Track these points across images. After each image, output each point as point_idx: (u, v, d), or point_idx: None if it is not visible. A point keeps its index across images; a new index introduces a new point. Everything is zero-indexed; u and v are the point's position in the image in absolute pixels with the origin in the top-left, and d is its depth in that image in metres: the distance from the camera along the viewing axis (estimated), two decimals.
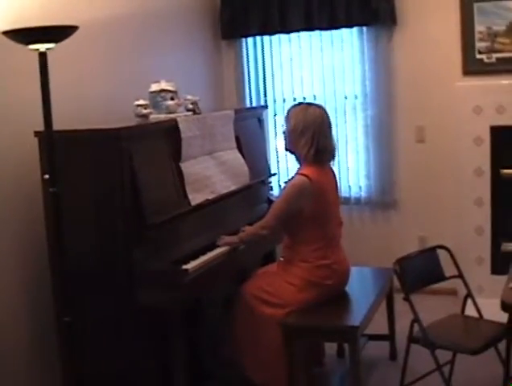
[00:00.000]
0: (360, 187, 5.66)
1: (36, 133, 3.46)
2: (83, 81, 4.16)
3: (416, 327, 3.42)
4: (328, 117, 3.89)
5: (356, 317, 3.61)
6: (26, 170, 3.66)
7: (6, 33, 2.98)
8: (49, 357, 3.77)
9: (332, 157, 3.92)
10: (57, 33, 3.03)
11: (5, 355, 3.60)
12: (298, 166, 3.91)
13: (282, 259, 4.02)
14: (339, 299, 3.81)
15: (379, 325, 4.17)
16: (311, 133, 3.77)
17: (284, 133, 3.93)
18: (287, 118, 3.89)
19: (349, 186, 5.68)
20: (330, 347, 4.29)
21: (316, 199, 3.73)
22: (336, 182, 4.01)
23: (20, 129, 3.60)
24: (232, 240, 3.87)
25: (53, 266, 3.52)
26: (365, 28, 5.43)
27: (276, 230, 3.86)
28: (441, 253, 3.82)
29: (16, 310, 3.69)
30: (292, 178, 3.87)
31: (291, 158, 3.95)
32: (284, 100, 5.85)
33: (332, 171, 4.00)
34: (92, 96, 4.21)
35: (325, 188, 3.81)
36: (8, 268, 3.64)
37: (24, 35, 2.97)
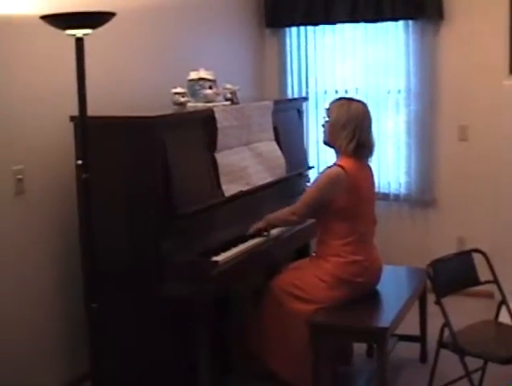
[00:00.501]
0: (399, 184, 5.57)
1: (72, 118, 3.46)
2: (121, 67, 4.16)
3: (447, 332, 3.34)
4: (369, 113, 3.87)
5: (386, 318, 3.54)
6: (63, 154, 3.67)
7: (44, 17, 2.97)
8: (78, 344, 3.79)
9: (371, 153, 3.88)
10: (94, 19, 3.02)
11: (37, 338, 3.66)
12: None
13: (314, 254, 3.98)
14: (370, 298, 3.75)
15: (412, 325, 4.10)
16: (353, 127, 3.74)
17: (324, 125, 3.89)
18: (329, 111, 3.86)
19: (389, 183, 5.59)
20: (360, 347, 4.23)
21: (350, 192, 3.69)
22: (373, 179, 3.95)
23: (58, 113, 3.61)
24: (259, 225, 3.86)
25: (83, 253, 3.52)
26: (410, 22, 5.33)
27: (305, 217, 3.87)
28: (478, 256, 3.73)
29: (48, 293, 3.74)
30: (328, 167, 3.83)
31: (331, 151, 3.91)
32: (326, 92, 5.77)
33: (370, 168, 3.94)
34: (129, 83, 4.21)
35: (360, 183, 3.76)
36: (41, 253, 3.67)
37: (61, 20, 2.96)
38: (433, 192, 5.46)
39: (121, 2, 4.04)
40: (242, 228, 3.86)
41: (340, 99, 3.94)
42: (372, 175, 3.94)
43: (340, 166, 3.72)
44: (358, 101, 3.91)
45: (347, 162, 3.73)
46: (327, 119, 3.85)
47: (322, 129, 3.93)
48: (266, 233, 3.89)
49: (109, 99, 3.95)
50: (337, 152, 3.84)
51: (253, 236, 3.83)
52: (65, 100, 3.43)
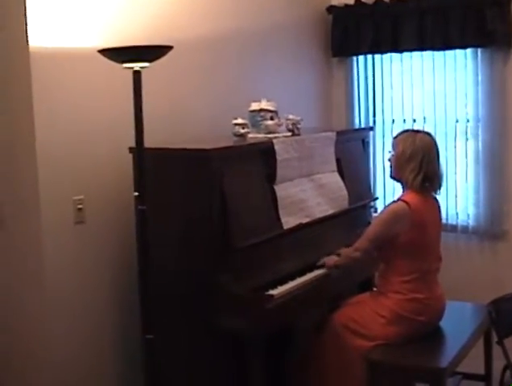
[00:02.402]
0: (468, 215, 5.42)
1: (131, 150, 3.50)
2: (182, 99, 4.18)
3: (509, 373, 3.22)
4: (436, 144, 3.80)
5: (445, 357, 3.44)
6: (122, 185, 3.70)
7: (102, 51, 3.02)
8: (133, 371, 3.80)
9: (439, 185, 3.79)
10: (151, 52, 3.06)
11: (93, 365, 3.68)
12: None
13: (375, 289, 3.90)
14: (430, 335, 3.64)
15: (479, 362, 3.96)
16: (420, 159, 3.67)
17: (390, 160, 3.83)
18: (394, 144, 3.80)
19: (457, 214, 5.44)
20: None
21: (414, 227, 3.61)
22: (440, 215, 3.85)
23: (118, 144, 3.64)
24: (329, 263, 3.81)
25: (141, 284, 3.54)
26: (479, 50, 5.20)
27: (369, 253, 3.78)
28: None
29: (106, 321, 3.77)
30: (393, 202, 3.77)
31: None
32: (393, 121, 5.68)
33: (437, 202, 3.84)
34: (190, 115, 4.22)
35: (425, 219, 3.67)
36: (99, 282, 3.71)
37: (118, 54, 3.02)
38: (503, 224, 5.28)
39: (181, 33, 4.09)
40: (302, 261, 3.82)
41: (406, 131, 3.88)
42: (439, 210, 3.85)
43: (404, 201, 3.65)
44: (424, 132, 3.85)
45: (412, 197, 3.66)
46: (392, 153, 3.79)
47: (388, 164, 3.87)
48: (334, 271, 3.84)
49: (170, 131, 3.98)
50: (404, 186, 3.77)
51: (311, 270, 3.77)
52: (126, 131, 3.44)
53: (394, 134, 3.97)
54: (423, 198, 3.70)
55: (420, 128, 4.98)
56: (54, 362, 3.48)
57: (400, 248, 3.63)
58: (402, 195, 3.75)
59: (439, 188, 3.82)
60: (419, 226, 3.63)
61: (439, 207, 3.86)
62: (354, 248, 3.77)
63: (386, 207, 3.84)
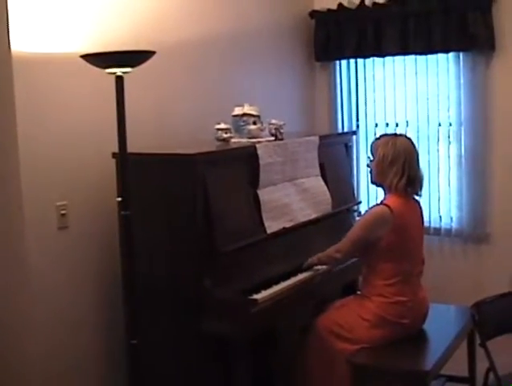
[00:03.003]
0: (451, 218, 5.46)
1: (114, 155, 3.49)
2: (165, 103, 4.19)
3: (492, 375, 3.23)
4: (415, 147, 3.81)
5: (429, 360, 3.44)
6: (106, 190, 3.70)
7: (84, 56, 3.01)
8: (115, 377, 3.80)
9: (420, 187, 3.80)
10: (134, 57, 3.06)
11: (75, 372, 3.67)
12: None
13: (359, 292, 3.91)
14: (414, 338, 3.64)
15: (463, 365, 3.97)
16: (402, 163, 3.68)
17: (369, 165, 3.84)
18: (374, 149, 3.80)
19: (440, 217, 5.48)
20: None
21: (396, 231, 3.61)
22: (422, 217, 3.86)
23: (101, 150, 3.65)
24: (312, 260, 3.86)
25: (124, 289, 3.53)
26: (461, 53, 5.25)
27: (349, 256, 3.85)
28: None
29: (88, 327, 3.75)
30: (374, 205, 3.78)
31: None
32: (376, 125, 5.72)
33: (419, 205, 3.86)
34: (172, 119, 4.24)
35: (408, 222, 3.68)
36: (82, 287, 3.70)
37: (101, 59, 3.01)
38: (486, 227, 5.33)
39: (164, 38, 4.10)
40: (286, 266, 3.82)
41: (384, 136, 3.89)
42: (421, 213, 3.86)
43: (386, 205, 3.66)
44: (403, 136, 3.87)
45: (394, 201, 3.66)
46: (371, 158, 3.80)
47: (368, 169, 3.88)
48: (317, 268, 3.87)
49: (153, 135, 4.00)
50: (386, 190, 3.78)
51: (295, 274, 3.78)
52: (108, 137, 3.44)
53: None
54: (405, 201, 3.72)
55: (400, 132, 5.01)
56: (40, 363, 3.48)
57: (383, 251, 3.63)
58: (384, 199, 3.76)
59: (421, 190, 3.83)
60: (402, 229, 3.64)
61: (421, 209, 3.87)
62: (336, 249, 3.79)
63: (368, 210, 3.85)
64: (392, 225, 3.61)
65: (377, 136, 3.98)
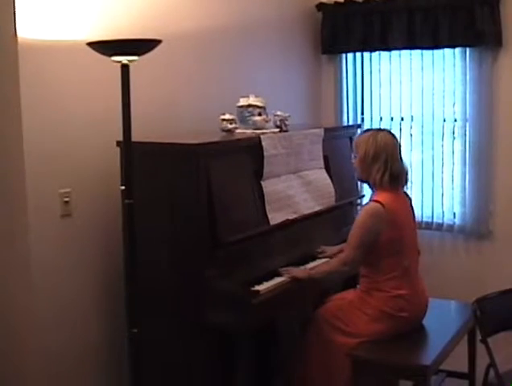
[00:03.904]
0: (454, 214, 5.44)
1: (118, 143, 3.49)
2: (170, 93, 4.18)
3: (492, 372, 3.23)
4: (397, 141, 3.80)
5: (429, 355, 3.44)
6: (110, 179, 3.69)
7: (91, 44, 3.00)
8: (117, 366, 3.80)
9: (406, 181, 3.80)
10: (140, 46, 3.04)
11: (77, 360, 3.68)
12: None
13: (358, 286, 3.91)
14: (414, 333, 3.64)
15: (464, 360, 3.98)
16: (384, 158, 3.68)
17: (353, 162, 3.83)
18: (356, 147, 3.79)
19: (443, 212, 5.47)
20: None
21: (391, 225, 3.61)
22: (411, 208, 3.86)
23: (105, 138, 3.64)
24: (299, 276, 3.66)
25: (127, 278, 3.53)
26: (468, 49, 5.23)
27: (357, 262, 3.70)
28: None
29: (90, 315, 3.76)
30: (365, 205, 3.78)
31: None
32: (381, 119, 5.70)
33: (408, 197, 3.86)
34: (178, 109, 4.22)
35: (399, 214, 3.68)
36: (85, 275, 3.70)
37: (107, 47, 2.99)
38: (488, 224, 5.31)
39: (171, 27, 4.09)
40: (289, 258, 3.82)
41: (366, 131, 3.88)
42: (410, 204, 3.85)
43: (377, 201, 3.64)
44: (384, 130, 3.84)
45: (384, 196, 3.65)
46: (355, 155, 3.78)
47: (353, 167, 3.88)
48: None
49: (158, 125, 3.98)
50: (372, 187, 3.77)
51: (297, 266, 3.78)
52: (113, 125, 3.44)
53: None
54: (394, 195, 3.70)
55: (405, 126, 4.98)
56: (43, 351, 3.48)
57: (381, 247, 3.62)
58: (373, 196, 3.74)
59: (406, 183, 3.82)
60: (395, 223, 3.63)
61: (410, 201, 3.86)
62: (343, 262, 3.67)
63: (359, 211, 3.83)
64: (386, 220, 3.60)
65: (360, 132, 3.96)
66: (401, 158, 3.76)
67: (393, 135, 3.79)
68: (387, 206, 3.61)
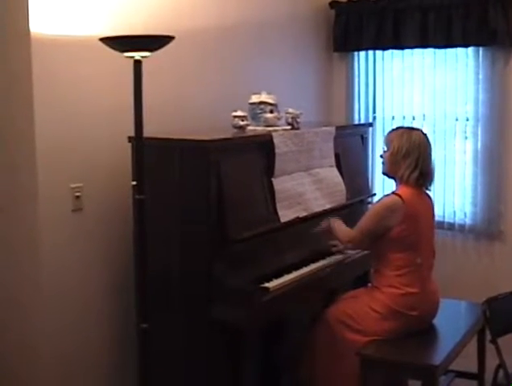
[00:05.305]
0: (465, 214, 5.42)
1: (130, 139, 3.49)
2: (183, 89, 4.17)
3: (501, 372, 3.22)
4: (429, 141, 3.83)
5: (438, 355, 3.44)
6: (121, 174, 3.69)
7: (103, 40, 3.01)
8: (125, 361, 3.81)
9: (431, 181, 3.82)
10: (153, 42, 3.04)
11: (86, 354, 3.69)
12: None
13: (370, 284, 3.91)
14: (424, 332, 3.65)
15: (473, 360, 3.97)
16: (416, 157, 3.71)
17: (382, 156, 3.84)
18: (388, 141, 3.80)
19: (454, 212, 5.44)
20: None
21: (407, 220, 3.63)
22: (433, 209, 3.87)
23: (117, 133, 3.63)
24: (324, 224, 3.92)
25: (136, 273, 3.54)
26: (481, 48, 5.20)
27: (361, 246, 3.89)
28: None
29: (101, 310, 3.77)
30: (385, 196, 3.79)
31: None
32: (393, 118, 5.67)
33: (430, 198, 3.86)
34: (190, 105, 4.22)
35: (418, 212, 3.69)
36: (95, 269, 3.71)
37: (120, 43, 3.00)
38: (500, 224, 5.29)
39: (183, 23, 4.09)
40: (299, 255, 3.83)
41: (399, 128, 3.89)
42: (432, 205, 3.86)
43: (397, 194, 3.66)
44: (418, 130, 3.86)
45: (405, 191, 3.68)
46: (385, 149, 3.80)
47: (381, 160, 3.88)
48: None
49: (170, 121, 3.98)
50: (397, 182, 3.78)
51: (307, 263, 3.78)
52: (125, 120, 3.43)
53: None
54: (417, 192, 3.73)
55: (417, 125, 4.97)
56: (51, 347, 3.50)
57: (393, 241, 3.64)
58: (395, 189, 3.77)
59: (431, 184, 3.84)
60: (412, 218, 3.65)
61: (432, 203, 3.88)
62: (348, 239, 3.82)
63: (379, 200, 3.86)
64: (403, 215, 3.61)
65: (393, 128, 3.97)
66: (431, 158, 3.80)
67: (426, 135, 3.82)
68: (407, 200, 3.63)
